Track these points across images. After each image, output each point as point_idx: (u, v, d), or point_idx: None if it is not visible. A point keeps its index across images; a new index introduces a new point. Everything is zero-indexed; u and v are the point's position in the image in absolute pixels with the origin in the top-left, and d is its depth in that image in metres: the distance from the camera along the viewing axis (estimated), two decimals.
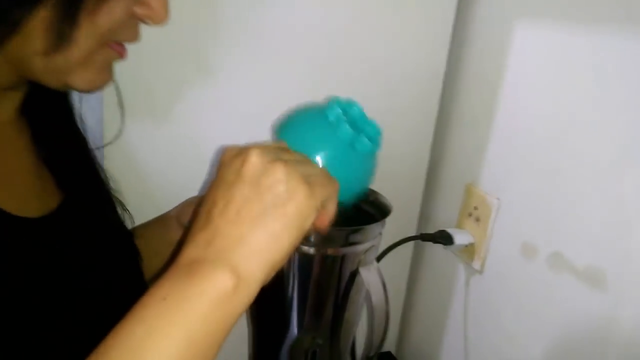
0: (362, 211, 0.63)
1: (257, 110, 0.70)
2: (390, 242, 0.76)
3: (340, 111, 0.51)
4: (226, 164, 0.41)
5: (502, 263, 0.76)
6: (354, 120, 0.52)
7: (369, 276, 0.57)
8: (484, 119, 0.79)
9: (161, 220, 0.63)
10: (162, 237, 0.61)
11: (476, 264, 0.79)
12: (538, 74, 0.70)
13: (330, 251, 0.57)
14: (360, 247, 0.59)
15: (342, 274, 0.59)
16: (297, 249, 0.53)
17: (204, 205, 0.41)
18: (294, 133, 0.52)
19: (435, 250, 0.85)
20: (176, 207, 0.63)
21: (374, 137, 0.52)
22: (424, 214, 0.90)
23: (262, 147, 0.41)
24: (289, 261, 0.55)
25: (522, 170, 0.72)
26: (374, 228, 0.60)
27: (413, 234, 0.88)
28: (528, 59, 0.71)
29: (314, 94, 0.71)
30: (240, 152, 0.41)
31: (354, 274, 0.59)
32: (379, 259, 0.76)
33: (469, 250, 0.80)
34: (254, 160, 0.40)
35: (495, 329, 0.78)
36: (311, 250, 0.57)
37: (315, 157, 0.49)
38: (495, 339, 0.78)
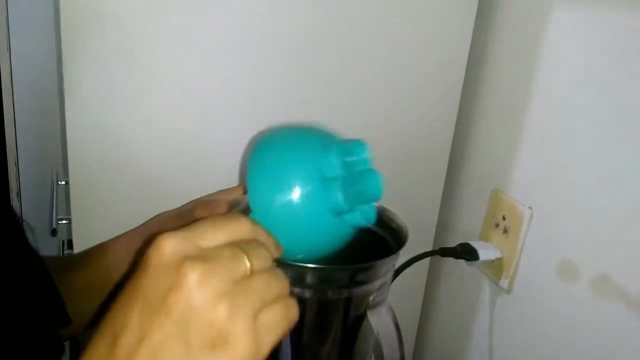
0: (370, 234, 0.50)
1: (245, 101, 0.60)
2: (404, 258, 0.65)
3: (340, 165, 0.40)
4: (154, 270, 0.30)
5: (535, 283, 0.65)
6: (354, 173, 0.41)
7: (379, 321, 0.44)
8: (514, 112, 0.67)
9: (126, 238, 0.53)
10: (126, 258, 0.51)
11: (504, 283, 0.68)
12: (580, 60, 0.58)
13: (330, 294, 0.44)
14: (368, 287, 0.45)
15: (346, 321, 0.46)
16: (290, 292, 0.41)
17: (110, 318, 0.30)
18: (273, 171, 0.40)
19: (455, 264, 0.74)
20: (145, 223, 0.53)
21: (370, 212, 0.41)
22: (443, 224, 0.79)
23: (208, 263, 0.29)
24: None
25: (561, 175, 0.61)
26: (385, 263, 0.47)
27: (430, 245, 0.77)
28: (568, 43, 0.60)
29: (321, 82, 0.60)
30: (176, 266, 0.29)
31: (361, 319, 0.46)
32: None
33: (496, 266, 0.69)
34: (191, 291, 0.28)
35: (526, 356, 0.67)
36: (306, 294, 0.44)
37: (288, 211, 0.39)
38: None
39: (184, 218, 0.46)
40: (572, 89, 0.59)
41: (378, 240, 0.49)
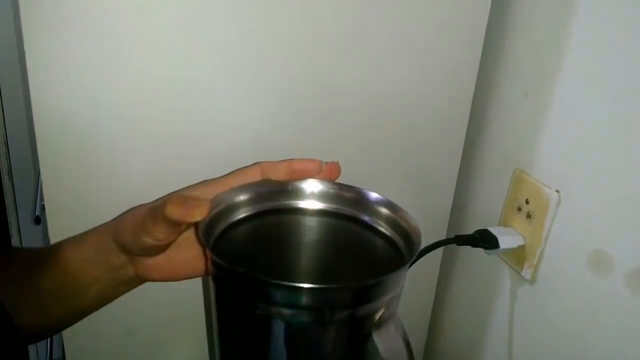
0: (378, 235, 0.43)
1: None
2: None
3: None
4: None
5: (562, 275, 0.58)
6: None
7: (386, 343, 0.36)
8: (540, 83, 0.60)
9: (95, 234, 0.47)
10: (96, 258, 0.45)
11: (526, 273, 0.62)
12: (618, 21, 0.50)
13: (329, 316, 0.36)
14: (374, 305, 0.37)
15: (347, 344, 0.37)
16: (281, 315, 0.36)
17: None
18: None
19: (471, 252, 0.67)
20: (117, 217, 0.47)
21: None
22: (458, 208, 0.72)
23: None
24: (270, 330, 0.37)
25: (594, 155, 0.54)
26: (395, 276, 0.38)
27: (444, 233, 0.70)
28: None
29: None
30: None
31: (365, 340, 0.37)
32: None
33: (518, 255, 0.63)
34: None
35: (549, 354, 0.61)
36: (303, 316, 0.35)
37: None
38: None
39: (156, 213, 0.40)
40: (609, 54, 0.52)
41: (387, 244, 0.42)
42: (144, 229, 0.40)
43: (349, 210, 0.44)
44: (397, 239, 0.41)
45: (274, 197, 0.45)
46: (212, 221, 0.41)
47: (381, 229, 0.43)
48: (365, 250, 0.42)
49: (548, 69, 0.58)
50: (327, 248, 0.44)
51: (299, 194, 0.45)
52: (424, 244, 0.64)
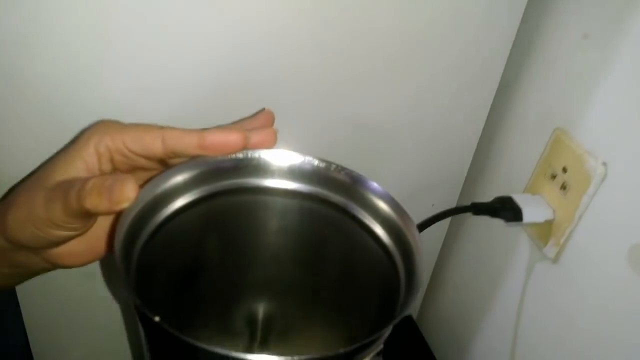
0: (368, 235, 0.33)
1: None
2: (422, 215, 0.50)
3: None
4: None
5: (593, 261, 0.49)
6: None
7: None
8: (608, 21, 0.47)
9: None
10: None
11: (549, 250, 0.53)
12: None
13: None
14: None
15: None
16: None
17: None
18: None
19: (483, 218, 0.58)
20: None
21: None
22: (477, 168, 0.62)
23: None
24: None
25: None
26: (386, 331, 0.28)
27: (455, 196, 0.61)
28: None
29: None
30: None
31: None
32: None
33: (543, 228, 0.54)
34: None
35: (554, 339, 0.54)
36: None
37: None
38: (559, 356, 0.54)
39: (67, 204, 0.30)
40: None
41: (382, 253, 0.32)
42: (52, 222, 0.31)
43: (336, 198, 0.34)
44: (394, 251, 0.32)
45: (228, 174, 0.33)
46: (134, 227, 0.30)
47: (377, 230, 0.33)
48: (352, 256, 0.33)
49: (620, 3, 0.46)
50: (301, 246, 0.35)
51: (264, 169, 0.34)
52: (433, 208, 0.56)
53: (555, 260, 0.53)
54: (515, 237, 0.58)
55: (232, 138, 0.31)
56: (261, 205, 0.34)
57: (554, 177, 0.52)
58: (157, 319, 0.24)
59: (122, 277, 0.25)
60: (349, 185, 0.33)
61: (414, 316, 0.79)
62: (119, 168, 0.34)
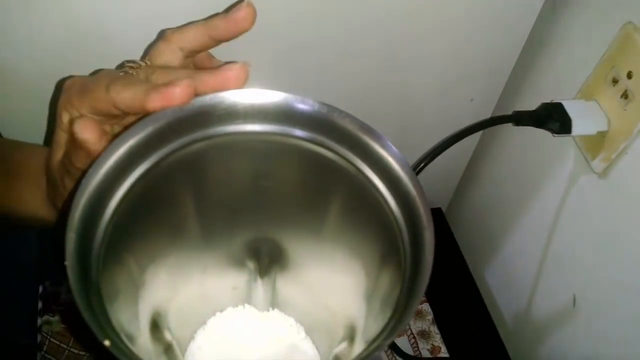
0: (372, 188, 0.27)
1: None
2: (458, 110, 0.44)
3: None
4: None
5: None
6: None
7: None
8: None
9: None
10: None
11: (598, 165, 0.47)
12: None
13: None
14: None
15: None
16: None
17: None
18: None
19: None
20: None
21: None
22: (525, 62, 0.53)
23: None
24: None
25: None
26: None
27: (499, 90, 0.53)
28: None
29: None
30: None
31: None
32: (433, 156, 0.45)
33: (593, 140, 0.47)
34: None
35: (597, 259, 0.50)
36: None
37: None
38: (592, 278, 0.51)
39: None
40: None
41: (383, 218, 0.27)
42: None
43: (338, 148, 0.28)
44: (401, 222, 0.26)
45: (195, 125, 0.28)
46: (86, 220, 0.25)
47: (379, 186, 0.27)
48: (354, 207, 0.28)
49: None
50: (300, 188, 0.30)
51: (235, 113, 0.28)
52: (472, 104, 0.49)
53: (603, 175, 0.47)
54: (560, 143, 0.52)
55: (177, 91, 0.26)
56: (248, 149, 0.29)
57: (615, 82, 0.44)
58: (107, 343, 0.21)
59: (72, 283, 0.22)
60: (353, 134, 0.27)
61: (443, 209, 0.75)
62: (112, 119, 0.30)
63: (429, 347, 0.62)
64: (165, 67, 0.30)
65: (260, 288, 0.39)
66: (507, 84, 0.57)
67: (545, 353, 0.58)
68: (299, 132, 0.28)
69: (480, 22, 0.50)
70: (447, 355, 0.61)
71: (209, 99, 0.27)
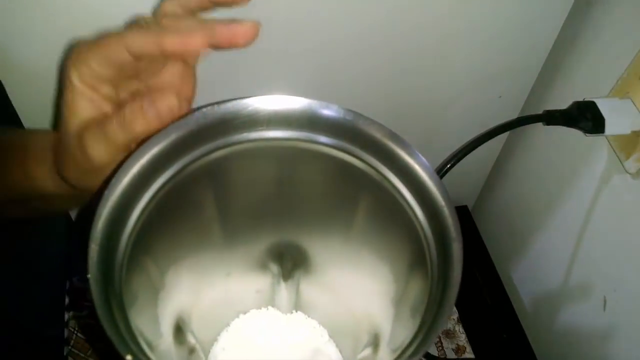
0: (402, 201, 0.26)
1: None
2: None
3: None
4: None
5: None
6: None
7: None
8: None
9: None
10: None
11: (631, 165, 0.45)
12: None
13: None
14: None
15: None
16: None
17: None
18: None
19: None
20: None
21: None
22: (556, 58, 0.52)
23: None
24: None
25: None
26: None
27: (529, 87, 0.52)
28: None
29: None
30: None
31: None
32: (460, 156, 0.44)
33: (627, 140, 0.45)
34: None
35: (630, 261, 0.49)
36: None
37: None
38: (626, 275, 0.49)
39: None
40: None
41: (410, 227, 0.26)
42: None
43: (364, 155, 0.27)
44: (429, 235, 0.26)
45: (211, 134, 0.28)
46: (108, 239, 0.24)
47: (406, 194, 0.26)
48: (383, 215, 0.27)
49: None
50: (326, 193, 0.29)
51: (257, 120, 0.27)
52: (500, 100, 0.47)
53: (637, 175, 0.45)
54: (592, 142, 0.50)
55: (192, 42, 0.27)
56: (272, 155, 0.29)
57: None
58: (129, 358, 0.21)
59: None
60: (382, 145, 0.26)
61: (470, 207, 0.74)
62: (123, 78, 0.30)
63: (453, 346, 0.62)
64: (176, 17, 0.30)
65: (284, 291, 0.39)
66: (537, 81, 0.56)
67: (574, 356, 0.57)
68: (323, 139, 0.27)
69: (510, 17, 0.49)
70: (472, 356, 0.60)
71: (231, 105, 0.27)
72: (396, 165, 0.26)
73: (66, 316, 0.62)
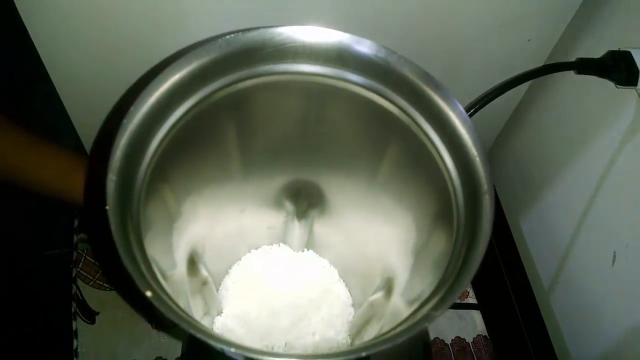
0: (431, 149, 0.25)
1: None
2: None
3: None
4: None
5: None
6: None
7: None
8: None
9: None
10: None
11: None
12: None
13: None
14: None
15: None
16: None
17: None
18: None
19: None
20: None
21: None
22: (587, 5, 0.49)
23: None
24: None
25: None
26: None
27: (560, 31, 0.49)
28: None
29: None
30: None
31: None
32: (485, 102, 0.43)
33: None
34: None
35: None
36: None
37: None
38: None
39: None
40: None
41: (439, 177, 0.25)
42: None
43: (392, 96, 0.26)
44: (458, 186, 0.24)
45: (238, 63, 0.26)
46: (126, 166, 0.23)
47: (436, 140, 0.25)
48: (411, 161, 0.26)
49: None
50: (351, 133, 0.28)
51: (285, 52, 0.26)
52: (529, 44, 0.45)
53: None
54: (622, 95, 0.48)
55: None
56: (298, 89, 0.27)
57: None
58: (148, 293, 0.20)
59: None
60: (413, 84, 0.25)
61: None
62: None
63: None
64: None
65: (297, 229, 0.39)
66: (569, 26, 0.53)
67: (574, 307, 0.57)
68: (353, 77, 0.26)
69: None
70: (475, 301, 0.61)
71: (257, 34, 0.25)
72: (428, 110, 0.25)
73: (75, 238, 0.62)
